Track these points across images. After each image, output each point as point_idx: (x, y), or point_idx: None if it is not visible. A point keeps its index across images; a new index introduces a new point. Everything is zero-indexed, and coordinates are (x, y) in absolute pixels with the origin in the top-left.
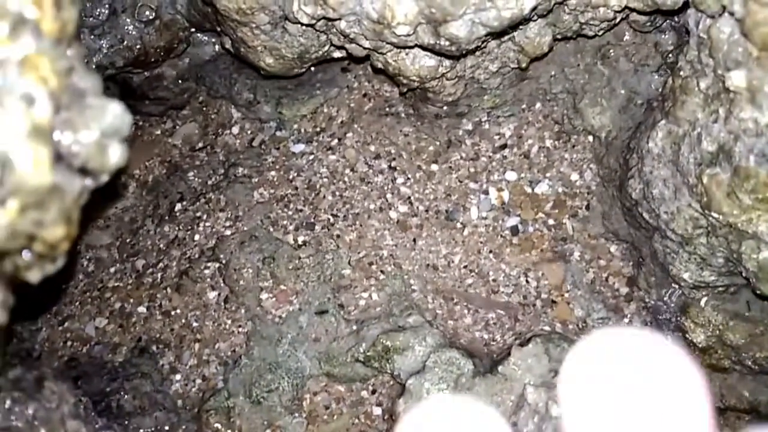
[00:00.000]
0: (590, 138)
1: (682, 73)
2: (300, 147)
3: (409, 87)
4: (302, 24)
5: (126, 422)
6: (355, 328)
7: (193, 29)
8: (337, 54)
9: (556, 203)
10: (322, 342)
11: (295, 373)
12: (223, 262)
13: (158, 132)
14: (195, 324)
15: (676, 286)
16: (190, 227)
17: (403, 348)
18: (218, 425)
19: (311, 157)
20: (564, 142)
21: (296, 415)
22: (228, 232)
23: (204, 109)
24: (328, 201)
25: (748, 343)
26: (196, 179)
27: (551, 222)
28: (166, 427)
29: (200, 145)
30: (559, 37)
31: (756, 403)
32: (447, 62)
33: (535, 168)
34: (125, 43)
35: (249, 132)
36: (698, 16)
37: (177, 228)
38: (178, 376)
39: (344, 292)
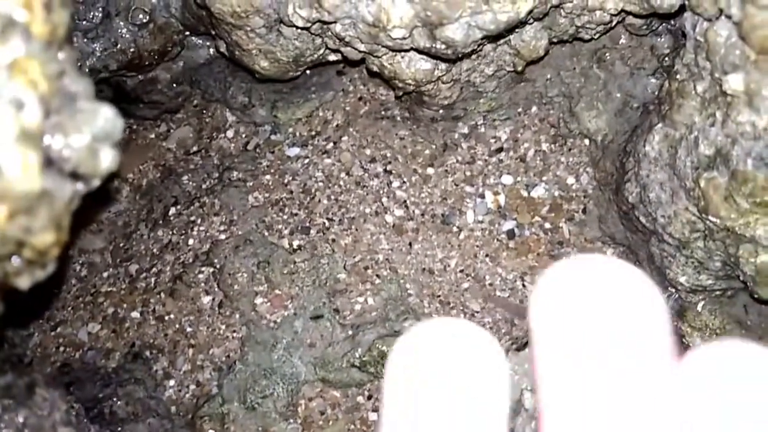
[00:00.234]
0: (586, 141)
1: (678, 76)
2: (295, 151)
3: (405, 90)
4: (297, 27)
5: (119, 429)
6: (350, 332)
7: (187, 32)
8: (332, 57)
9: (553, 207)
10: (318, 347)
11: (290, 378)
12: (218, 266)
13: (152, 136)
14: (189, 329)
15: (673, 290)
16: (184, 231)
17: None
18: (212, 431)
19: (306, 160)
20: (560, 146)
21: (291, 421)
22: (222, 237)
23: (198, 112)
24: (323, 205)
25: None
26: (191, 183)
27: (548, 226)
28: None
29: (195, 148)
30: (555, 40)
31: None
32: (443, 65)
33: (531, 172)
34: (119, 46)
35: (244, 135)
36: (695, 20)
37: (171, 232)
38: (171, 382)
39: (340, 296)
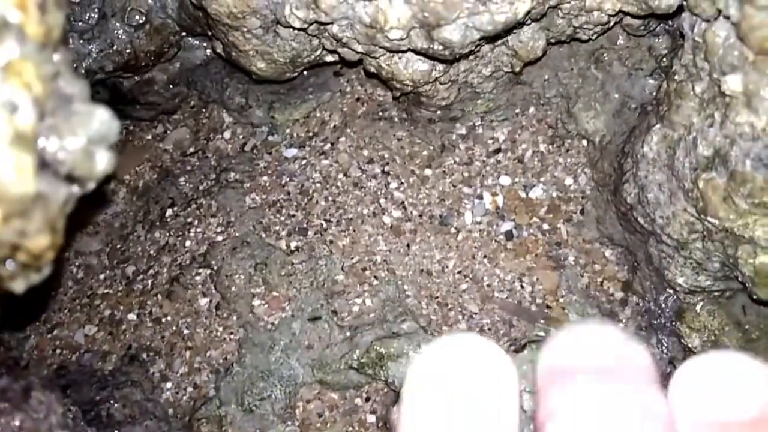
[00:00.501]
0: (584, 142)
1: (676, 77)
2: (292, 152)
3: (402, 91)
4: (294, 28)
5: (116, 431)
6: (348, 334)
7: (183, 33)
8: (329, 58)
9: (551, 208)
10: (315, 349)
11: (288, 380)
12: (215, 268)
13: (149, 137)
14: (186, 331)
15: (672, 291)
16: (181, 233)
17: (397, 355)
18: None
19: (304, 161)
20: (558, 147)
21: (289, 423)
22: (219, 238)
23: (195, 113)
24: (320, 206)
25: (743, 347)
26: (188, 184)
27: (546, 227)
28: None
29: (191, 150)
30: (552, 41)
31: None
32: (440, 66)
33: (529, 172)
34: (115, 47)
35: (241, 137)
36: (693, 20)
37: (168, 234)
38: (168, 384)
39: (337, 298)
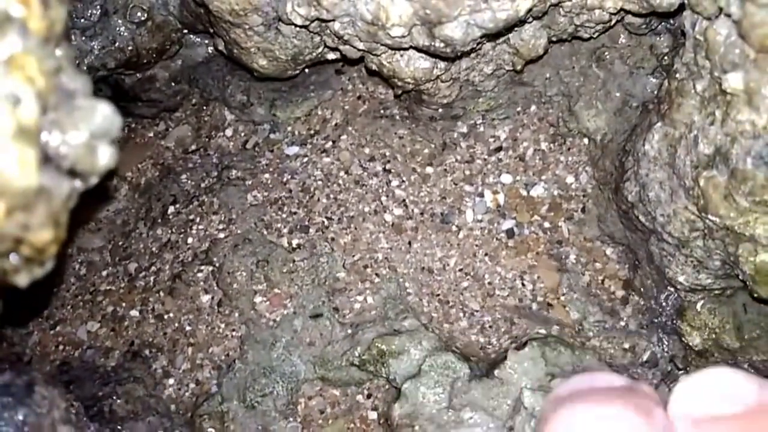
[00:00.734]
0: (585, 141)
1: (678, 75)
2: (294, 149)
3: (404, 89)
4: (296, 25)
5: (119, 427)
6: (349, 331)
7: (185, 31)
8: (331, 56)
9: (552, 206)
10: (317, 346)
11: (290, 377)
12: (217, 265)
13: (151, 134)
14: (188, 328)
15: (673, 289)
16: (183, 230)
17: (398, 352)
18: (212, 430)
19: (305, 159)
20: (559, 145)
21: (291, 419)
22: (221, 235)
23: (197, 111)
24: (322, 204)
25: (744, 346)
26: (189, 182)
27: (547, 225)
28: None
29: (193, 147)
30: (554, 39)
31: None
32: (442, 64)
33: (530, 171)
34: (117, 44)
35: (242, 134)
36: (694, 18)
37: (170, 231)
38: (171, 381)
39: (339, 295)
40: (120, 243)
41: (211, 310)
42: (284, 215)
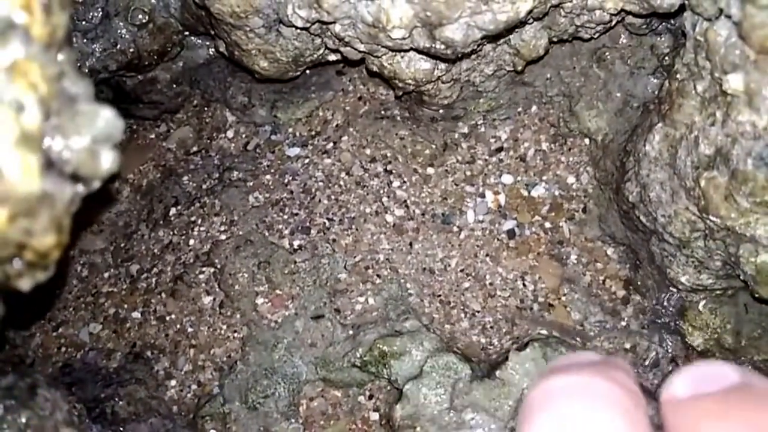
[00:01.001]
0: (586, 141)
1: (678, 76)
2: (295, 150)
3: (405, 90)
4: (297, 27)
5: (121, 429)
6: (351, 332)
7: (186, 33)
8: (332, 57)
9: (553, 206)
10: (319, 347)
11: (291, 378)
12: (218, 266)
13: (152, 136)
14: (190, 329)
15: (674, 289)
16: (184, 232)
17: (400, 353)
18: (214, 431)
19: (306, 160)
20: (560, 145)
21: (292, 420)
22: (223, 237)
23: (198, 112)
24: (323, 205)
25: (745, 346)
26: (191, 183)
27: (548, 225)
28: None
29: (195, 149)
30: (554, 39)
31: None
32: (442, 65)
33: (531, 171)
34: (118, 46)
35: (244, 136)
36: (695, 19)
37: (171, 233)
38: (173, 382)
39: (340, 296)
40: (122, 245)
41: (212, 311)
42: (285, 216)
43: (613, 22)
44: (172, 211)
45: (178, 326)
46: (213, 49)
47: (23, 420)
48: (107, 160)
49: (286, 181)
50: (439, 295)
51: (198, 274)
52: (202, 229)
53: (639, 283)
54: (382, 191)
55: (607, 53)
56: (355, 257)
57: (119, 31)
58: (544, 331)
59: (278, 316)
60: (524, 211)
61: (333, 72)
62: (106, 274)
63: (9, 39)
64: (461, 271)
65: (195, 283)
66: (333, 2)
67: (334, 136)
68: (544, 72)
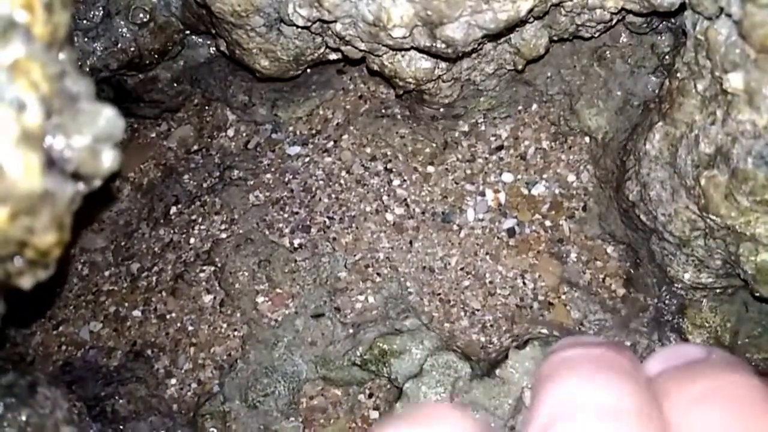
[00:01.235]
0: (587, 139)
1: (678, 74)
2: (296, 149)
3: (405, 89)
4: (298, 26)
5: (121, 427)
6: (351, 331)
7: (187, 31)
8: (332, 56)
9: (553, 205)
10: (319, 345)
11: (292, 377)
12: (219, 265)
13: (153, 135)
14: (190, 328)
15: (674, 288)
16: (185, 230)
17: (400, 351)
18: (214, 430)
19: (307, 159)
20: (560, 144)
21: (292, 419)
22: (223, 236)
23: (199, 111)
24: (323, 203)
25: (746, 344)
26: (191, 182)
27: (548, 223)
28: None
29: (195, 147)
30: (555, 38)
31: None
32: (443, 64)
33: (531, 169)
34: (119, 45)
35: (244, 134)
36: (695, 18)
37: (172, 231)
38: (173, 381)
39: (340, 295)
40: (122, 243)
41: (213, 310)
42: (286, 215)
43: (614, 21)
44: (173, 209)
45: (179, 325)
46: (214, 48)
47: (23, 418)
48: (108, 159)
49: (286, 179)
50: (439, 294)
51: (198, 272)
52: (202, 227)
53: (639, 281)
54: (382, 190)
55: (607, 52)
56: (355, 256)
57: (120, 29)
58: (544, 330)
59: (278, 314)
60: (524, 209)
61: (334, 71)
62: (106, 273)
63: (10, 38)
64: (461, 269)
65: (195, 281)
66: (334, 1)
67: (334, 134)
68: (544, 70)
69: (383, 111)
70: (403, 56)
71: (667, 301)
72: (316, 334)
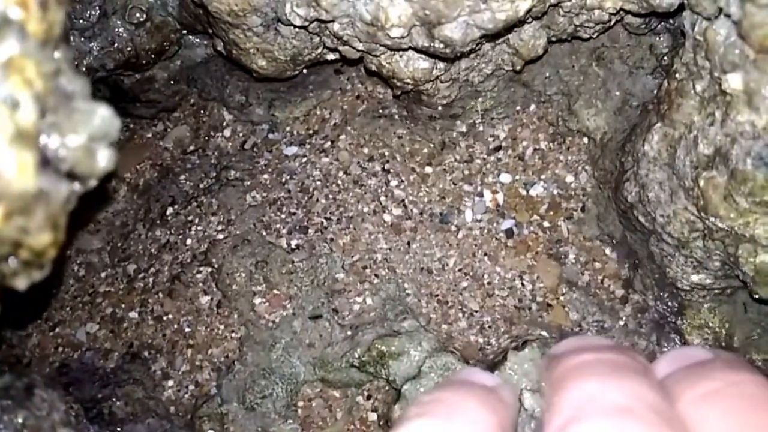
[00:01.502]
0: (585, 140)
1: (677, 75)
2: (293, 149)
3: (403, 89)
4: (295, 26)
5: (118, 429)
6: (349, 333)
7: (184, 31)
8: (330, 56)
9: (551, 205)
10: (317, 347)
11: (289, 378)
12: (216, 266)
13: (149, 135)
14: (187, 329)
15: (673, 289)
16: (181, 231)
17: (398, 353)
18: (212, 431)
19: (304, 159)
20: (559, 144)
21: (290, 421)
22: (220, 236)
23: (196, 111)
24: (321, 204)
25: (744, 345)
26: (188, 182)
27: (546, 224)
28: None
29: (192, 147)
30: (553, 39)
31: None
32: (441, 65)
33: (529, 170)
34: (116, 45)
35: (241, 134)
36: (694, 18)
37: (169, 232)
38: (170, 382)
39: (338, 296)
40: (119, 244)
41: (210, 311)
42: (283, 216)
43: (612, 22)
44: (169, 210)
45: (176, 326)
46: (211, 48)
47: (20, 420)
48: (104, 159)
49: (283, 180)
50: (437, 295)
51: (195, 273)
52: (199, 228)
53: (637, 282)
54: (379, 190)
55: (606, 52)
56: (352, 257)
57: (117, 29)
58: (543, 332)
59: (276, 316)
60: (522, 210)
61: (331, 71)
62: (103, 274)
63: (4, 35)
64: (459, 270)
65: (192, 282)
66: (331, 1)
67: (331, 135)
68: (542, 71)
69: (381, 111)
70: (401, 56)
71: (666, 303)
72: (313, 335)
